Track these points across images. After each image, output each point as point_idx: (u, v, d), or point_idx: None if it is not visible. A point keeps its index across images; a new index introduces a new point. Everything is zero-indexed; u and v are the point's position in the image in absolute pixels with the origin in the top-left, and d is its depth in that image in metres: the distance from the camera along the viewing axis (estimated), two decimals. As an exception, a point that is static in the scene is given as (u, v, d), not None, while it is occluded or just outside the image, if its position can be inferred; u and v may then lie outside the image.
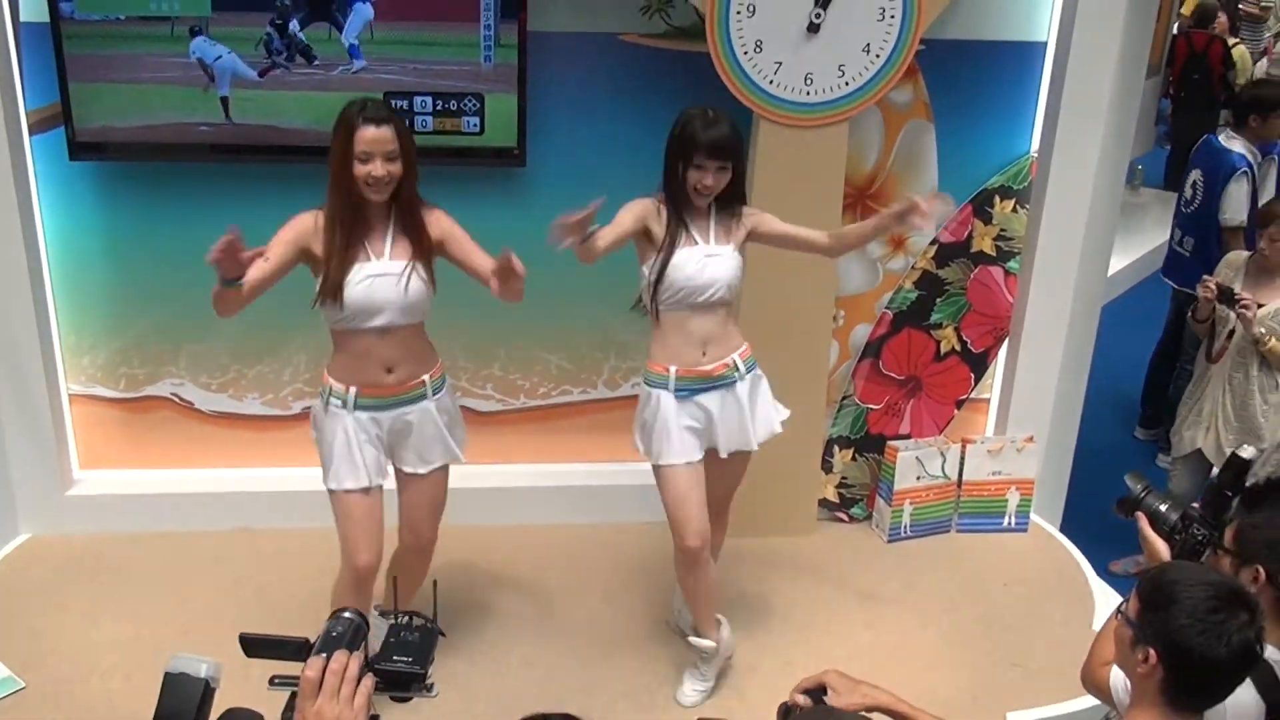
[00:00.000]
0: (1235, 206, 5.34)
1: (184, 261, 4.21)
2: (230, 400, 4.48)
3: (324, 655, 1.70)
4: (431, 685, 1.82)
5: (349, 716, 1.68)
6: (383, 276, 3.20)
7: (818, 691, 2.21)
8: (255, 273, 2.99)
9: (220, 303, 3.01)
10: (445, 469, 3.50)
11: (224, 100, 3.97)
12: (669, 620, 4.02)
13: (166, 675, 1.78)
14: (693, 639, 3.71)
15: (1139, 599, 2.13)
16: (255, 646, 1.82)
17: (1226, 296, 4.26)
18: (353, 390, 3.28)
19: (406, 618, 1.89)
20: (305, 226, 3.20)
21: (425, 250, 3.26)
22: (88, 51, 3.86)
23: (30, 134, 4.05)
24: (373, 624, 1.89)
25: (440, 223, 3.31)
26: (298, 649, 1.79)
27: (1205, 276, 4.41)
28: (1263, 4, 11.26)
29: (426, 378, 3.36)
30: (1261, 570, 2.40)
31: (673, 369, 3.45)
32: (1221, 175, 5.39)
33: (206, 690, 1.79)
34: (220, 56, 3.92)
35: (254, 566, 4.26)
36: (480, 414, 4.58)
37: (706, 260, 3.38)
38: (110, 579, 4.18)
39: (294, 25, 3.90)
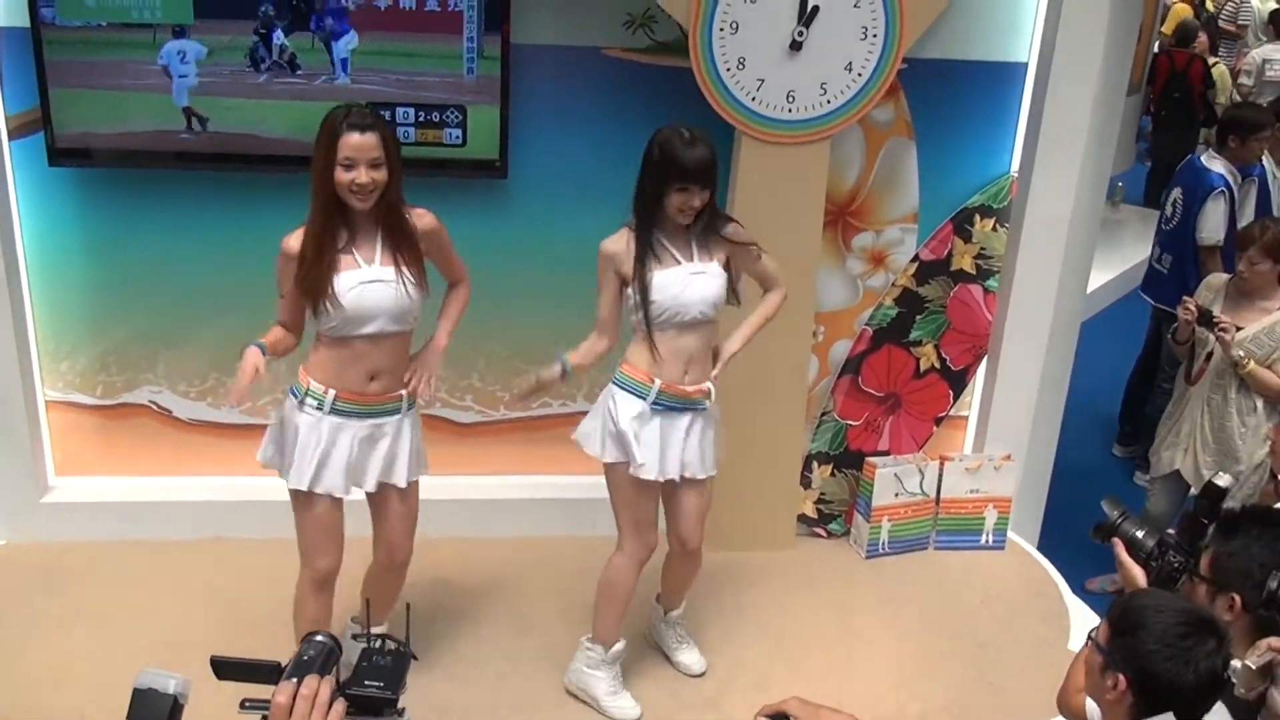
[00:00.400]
0: (1212, 226, 5.38)
1: (163, 268, 4.22)
2: (208, 408, 4.47)
3: (294, 680, 1.69)
4: (403, 710, 1.81)
5: None
6: (374, 283, 3.18)
7: (779, 719, 2.21)
8: (278, 330, 3.27)
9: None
10: (417, 483, 3.50)
11: (187, 112, 3.97)
12: (647, 634, 4.02)
13: (135, 691, 1.76)
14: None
15: (1109, 625, 2.14)
16: (226, 669, 1.81)
17: (1206, 319, 4.28)
18: (331, 393, 3.25)
19: (379, 641, 1.87)
20: (288, 252, 3.19)
21: (415, 254, 3.25)
22: (68, 57, 3.85)
23: (9, 139, 4.04)
24: (345, 647, 1.88)
25: (424, 219, 3.30)
26: (269, 672, 1.77)
27: (1185, 299, 4.44)
28: (1239, 21, 11.36)
29: (404, 391, 3.36)
30: (1237, 598, 2.42)
31: (657, 382, 3.43)
32: (1200, 194, 5.43)
33: (175, 706, 1.77)
34: (185, 75, 3.93)
35: (228, 575, 4.24)
36: (459, 425, 4.58)
37: (691, 278, 3.36)
38: (84, 587, 4.16)
39: (278, 35, 3.89)
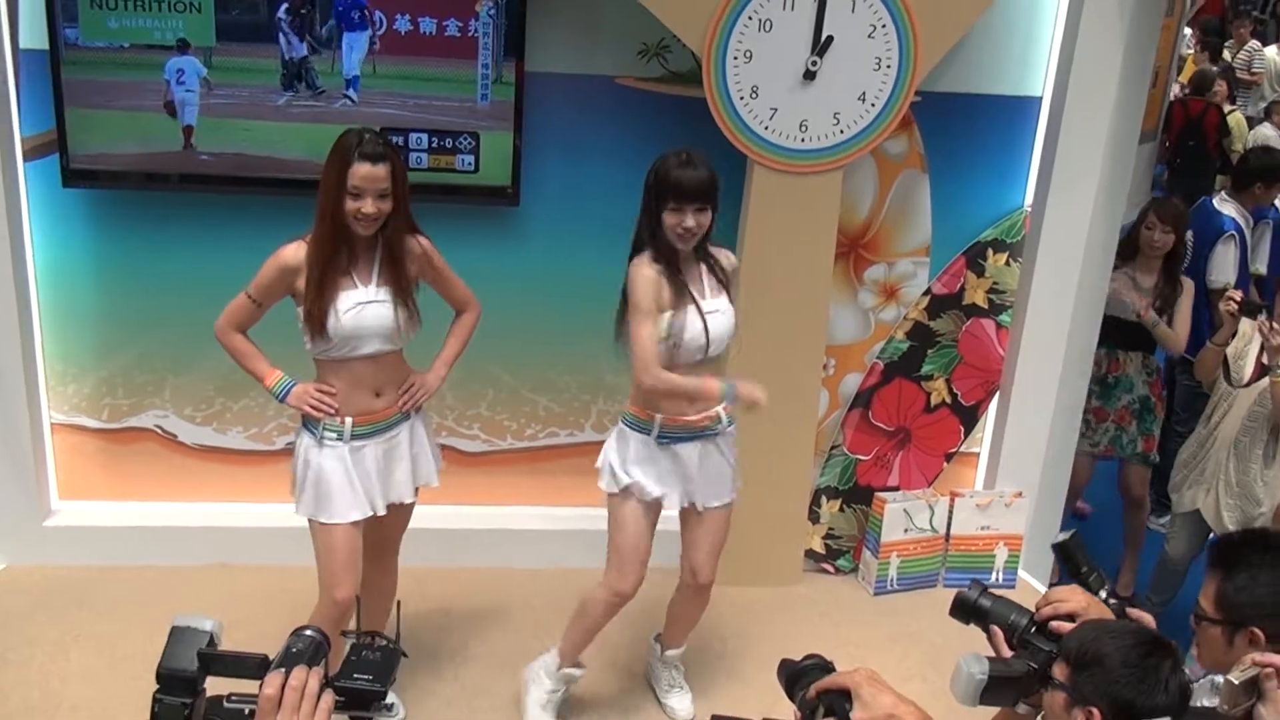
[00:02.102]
0: (1221, 268, 5.35)
1: (174, 292, 4.21)
2: (214, 433, 4.45)
3: (283, 671, 1.66)
4: (393, 705, 1.78)
5: None
6: (371, 304, 3.20)
7: (839, 697, 2.12)
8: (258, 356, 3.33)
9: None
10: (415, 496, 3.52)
11: (187, 130, 3.97)
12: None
13: (173, 629, 1.78)
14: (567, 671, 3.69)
15: (1066, 661, 2.09)
16: (213, 663, 1.78)
17: (1250, 309, 4.23)
18: (349, 422, 3.27)
19: (369, 638, 1.85)
20: (286, 264, 3.19)
21: (410, 278, 3.27)
22: (86, 77, 3.86)
23: (24, 160, 4.05)
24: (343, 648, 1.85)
25: (420, 244, 3.32)
26: (257, 666, 1.74)
27: (1230, 292, 4.41)
28: (1253, 69, 11.41)
29: (402, 401, 3.38)
30: (1258, 631, 2.35)
31: (658, 417, 3.39)
32: (1210, 237, 5.41)
33: (211, 641, 1.77)
34: (184, 94, 3.94)
35: (230, 603, 4.17)
36: (467, 454, 4.55)
37: (708, 318, 3.31)
38: (84, 611, 4.11)
39: (299, 49, 3.90)
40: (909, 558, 4.56)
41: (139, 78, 3.89)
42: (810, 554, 4.66)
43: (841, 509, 4.65)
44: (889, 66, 3.94)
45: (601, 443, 4.12)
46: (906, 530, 4.54)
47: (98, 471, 4.45)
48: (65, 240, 4.17)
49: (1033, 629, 2.30)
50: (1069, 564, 2.41)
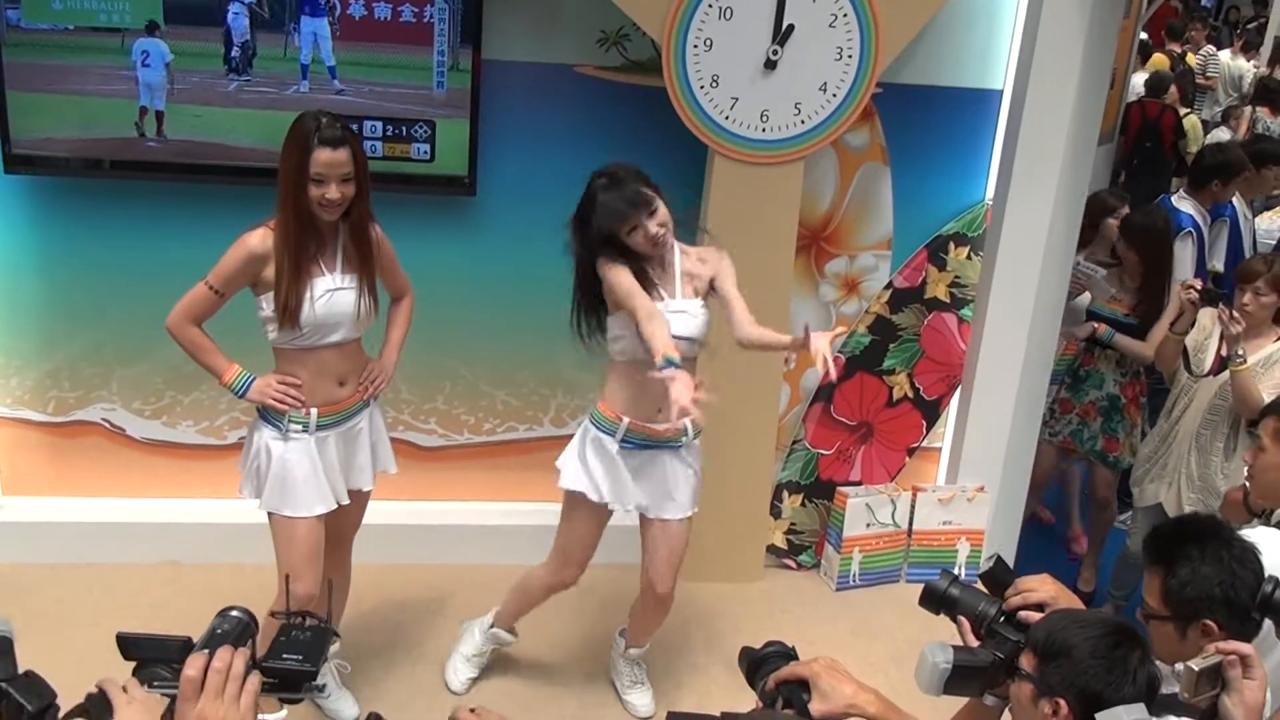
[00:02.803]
0: (1180, 265, 5.35)
1: (121, 282, 4.11)
2: (164, 427, 4.34)
3: (206, 653, 1.60)
4: (324, 686, 1.72)
5: (235, 717, 1.57)
6: (339, 290, 3.15)
7: (797, 687, 2.08)
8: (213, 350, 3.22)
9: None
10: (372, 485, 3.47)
11: (141, 111, 3.88)
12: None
13: None
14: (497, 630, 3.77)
15: (1033, 652, 2.05)
16: (134, 646, 1.72)
17: (1210, 298, 4.22)
18: (314, 412, 3.21)
19: (300, 618, 1.79)
20: (254, 252, 3.10)
21: (374, 263, 3.22)
22: (29, 60, 3.76)
23: (-35, 145, 3.94)
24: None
25: (375, 232, 3.26)
26: (180, 648, 1.68)
27: (1187, 281, 4.41)
28: (1208, 73, 11.52)
29: (362, 389, 3.35)
30: (1210, 623, 2.32)
31: (625, 420, 3.34)
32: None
33: (8, 644, 1.77)
34: (149, 76, 3.85)
35: (178, 601, 4.09)
36: (422, 449, 4.47)
37: (672, 318, 3.24)
38: (26, 611, 3.98)
39: (241, 29, 3.81)
40: (871, 553, 4.53)
41: (85, 61, 3.79)
42: (772, 549, 4.62)
43: (803, 504, 4.61)
44: (850, 56, 3.90)
45: (560, 438, 4.08)
46: (869, 525, 4.50)
47: (43, 466, 4.33)
48: (7, 228, 4.05)
49: (1001, 619, 2.27)
50: (998, 590, 2.38)
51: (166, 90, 3.87)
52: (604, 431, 3.38)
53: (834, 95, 3.94)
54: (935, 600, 2.34)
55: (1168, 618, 2.36)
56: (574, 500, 3.47)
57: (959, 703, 2.56)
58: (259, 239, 3.09)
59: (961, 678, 2.18)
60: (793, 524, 4.62)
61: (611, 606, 4.09)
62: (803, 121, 3.96)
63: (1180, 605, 2.35)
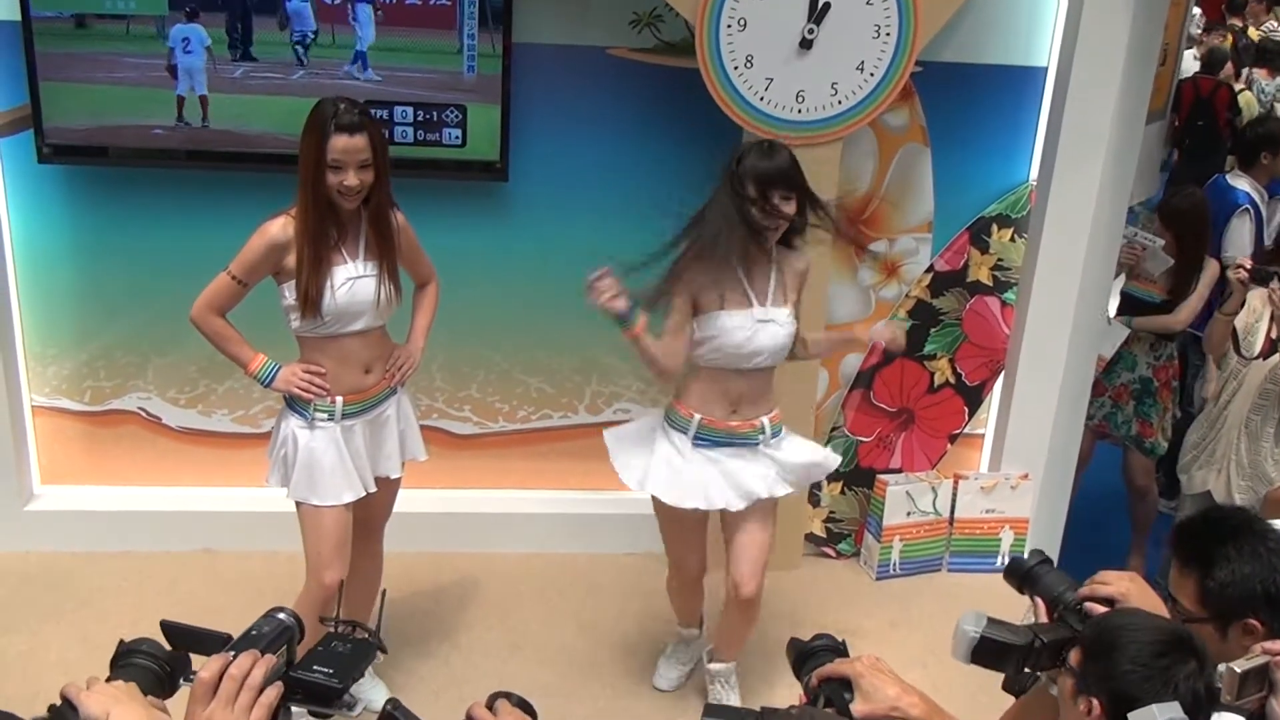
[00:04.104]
0: (1237, 244, 5.21)
1: (154, 271, 4.11)
2: (199, 416, 4.34)
3: (227, 656, 1.55)
4: (355, 704, 1.66)
5: None
6: (361, 279, 3.12)
7: (840, 686, 2.01)
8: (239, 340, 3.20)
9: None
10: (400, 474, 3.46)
11: (180, 100, 3.86)
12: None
13: None
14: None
15: (1081, 647, 1.98)
16: (178, 636, 1.68)
17: (1261, 277, 4.11)
18: (339, 400, 3.19)
19: (350, 627, 1.73)
20: (275, 240, 3.08)
21: (395, 250, 3.18)
22: (61, 50, 3.75)
23: (0, 135, 3.94)
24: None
25: (398, 219, 3.23)
26: (219, 644, 1.64)
27: (1239, 259, 4.30)
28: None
29: (389, 376, 3.32)
30: (1254, 623, 2.23)
31: (697, 417, 3.29)
32: (1225, 213, 5.27)
33: None
34: (189, 63, 3.83)
35: (213, 590, 4.09)
36: (457, 437, 4.44)
37: (758, 327, 3.20)
38: (64, 599, 4.02)
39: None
40: (912, 541, 4.45)
41: (118, 50, 3.77)
42: (811, 538, 4.55)
43: (843, 491, 4.53)
44: (888, 34, 3.80)
45: (595, 425, 4.04)
46: (909, 513, 4.42)
47: (80, 455, 4.35)
48: (43, 218, 4.06)
49: (1073, 607, 2.21)
50: (1023, 585, 2.32)
51: (208, 74, 3.85)
52: (678, 430, 3.33)
53: (871, 74, 3.84)
54: (1018, 576, 2.31)
55: (1207, 620, 2.27)
56: (655, 501, 3.40)
57: (1008, 703, 2.50)
58: (280, 227, 3.07)
59: (991, 651, 2.11)
60: (832, 512, 4.54)
61: (643, 591, 4.05)
62: (839, 102, 3.86)
63: (1221, 606, 2.26)
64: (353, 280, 3.10)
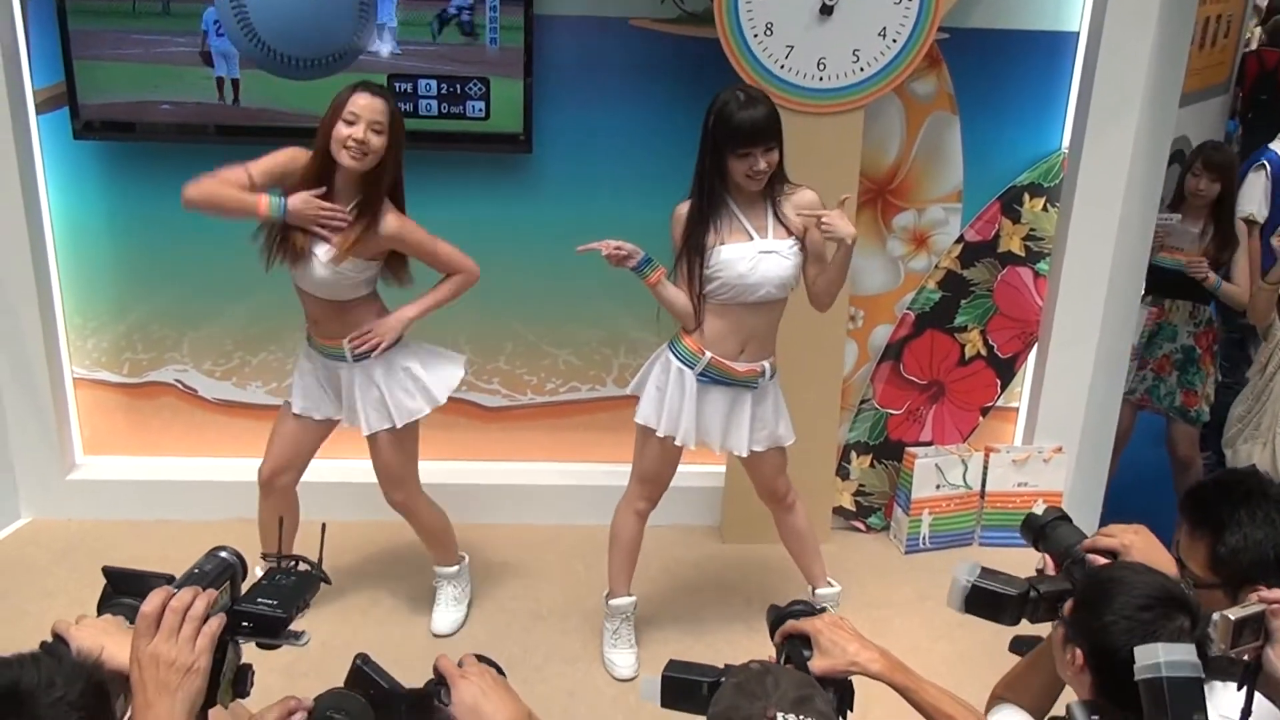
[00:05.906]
0: (1248, 198, 5.04)
1: (189, 245, 4.19)
2: (234, 388, 4.43)
3: (168, 590, 1.58)
4: (302, 634, 1.69)
5: (187, 658, 1.55)
6: (320, 242, 3.25)
7: (800, 643, 2.02)
8: (236, 183, 3.17)
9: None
10: (388, 438, 3.50)
11: (219, 81, 3.93)
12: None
13: None
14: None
15: (1075, 598, 1.96)
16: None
17: None
18: (305, 332, 3.52)
19: (292, 562, 1.77)
20: (294, 159, 3.23)
21: (355, 244, 3.23)
22: (95, 27, 3.83)
23: (37, 113, 4.04)
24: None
25: (390, 226, 3.26)
26: (163, 584, 1.67)
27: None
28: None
29: (345, 342, 3.39)
30: (1262, 588, 2.17)
31: (707, 354, 3.34)
32: (1244, 169, 5.11)
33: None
34: (222, 44, 3.90)
35: (248, 556, 4.16)
36: (486, 409, 4.48)
37: (760, 257, 3.23)
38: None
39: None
40: (942, 515, 4.40)
41: (146, 26, 3.85)
42: (840, 511, 4.53)
43: (872, 465, 4.50)
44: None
45: (624, 398, 4.03)
46: (939, 486, 4.37)
47: (120, 426, 4.46)
48: (81, 193, 4.16)
49: (1078, 560, 2.22)
50: (1039, 541, 2.32)
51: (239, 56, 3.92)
52: (685, 363, 3.37)
53: (894, 41, 3.80)
54: (1033, 530, 2.34)
55: (1217, 585, 2.23)
56: (645, 433, 3.48)
57: (1011, 662, 2.48)
58: (294, 156, 3.22)
59: (985, 600, 2.14)
60: (861, 485, 4.51)
61: (669, 566, 4.04)
62: (861, 69, 3.83)
63: (1233, 571, 2.22)
64: (312, 252, 3.23)
